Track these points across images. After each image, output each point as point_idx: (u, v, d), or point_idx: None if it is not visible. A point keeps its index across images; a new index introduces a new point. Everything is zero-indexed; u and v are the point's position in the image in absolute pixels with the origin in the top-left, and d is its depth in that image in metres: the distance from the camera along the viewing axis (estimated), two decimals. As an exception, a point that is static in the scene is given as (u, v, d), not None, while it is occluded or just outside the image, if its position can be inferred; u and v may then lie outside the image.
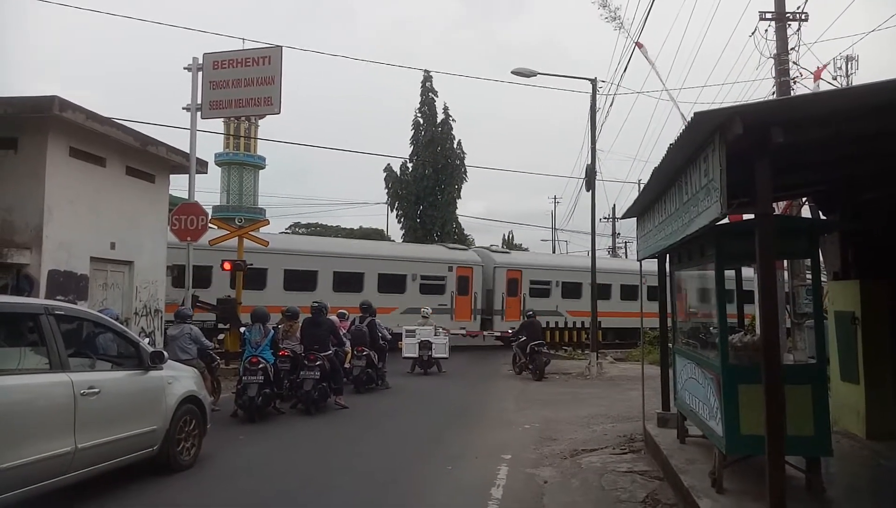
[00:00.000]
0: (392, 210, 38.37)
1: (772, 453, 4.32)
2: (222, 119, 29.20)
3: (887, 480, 6.24)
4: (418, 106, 37.63)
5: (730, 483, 5.40)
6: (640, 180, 33.30)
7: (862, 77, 20.95)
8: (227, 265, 15.93)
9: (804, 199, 11.10)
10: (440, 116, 37.56)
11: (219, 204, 46.28)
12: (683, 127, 4.59)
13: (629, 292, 25.89)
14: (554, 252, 47.61)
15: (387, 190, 38.04)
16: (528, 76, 17.58)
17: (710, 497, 5.19)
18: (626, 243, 46.26)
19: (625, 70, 18.71)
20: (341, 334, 12.25)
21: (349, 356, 12.89)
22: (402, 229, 37.94)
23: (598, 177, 18.56)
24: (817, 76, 13.71)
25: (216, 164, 47.28)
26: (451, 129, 37.67)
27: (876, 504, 5.58)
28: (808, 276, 14.07)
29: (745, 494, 5.19)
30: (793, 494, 4.69)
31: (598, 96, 18.26)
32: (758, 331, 6.62)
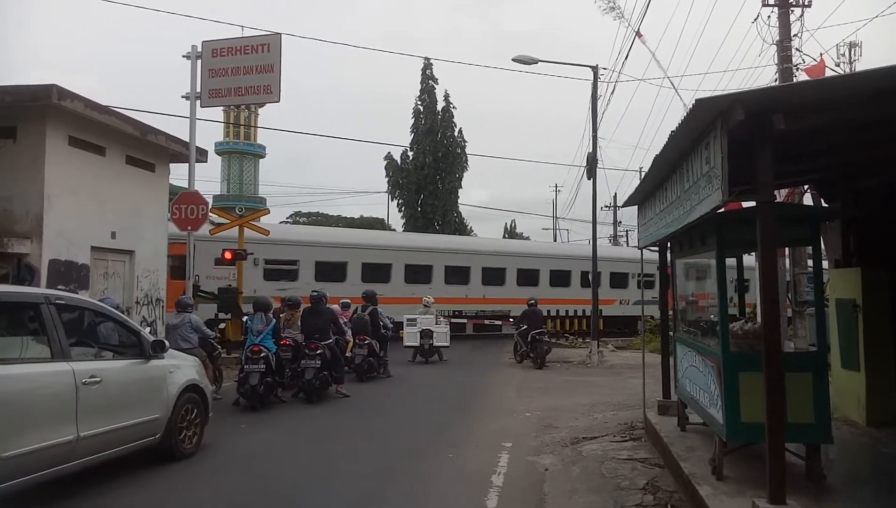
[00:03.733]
0: (393, 199, 38.35)
1: (772, 440, 4.33)
2: (222, 108, 29.08)
3: (887, 467, 6.25)
4: (418, 94, 37.50)
5: (730, 470, 5.42)
6: (641, 168, 33.23)
7: (865, 63, 20.80)
8: (227, 254, 15.90)
9: (806, 186, 11.06)
10: (441, 104, 37.45)
11: (219, 193, 46.18)
12: (685, 114, 4.56)
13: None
14: (555, 240, 47.60)
15: (387, 179, 38.00)
16: (529, 63, 17.47)
17: (710, 485, 5.20)
18: (627, 231, 46.25)
19: (626, 58, 18.61)
20: (342, 322, 12.28)
21: (351, 344, 12.93)
22: (402, 218, 37.94)
23: (599, 165, 18.53)
24: (814, 72, 13.51)
25: (216, 153, 47.06)
26: (452, 116, 37.56)
27: (876, 490, 5.60)
28: (810, 263, 14.04)
29: (745, 481, 5.20)
30: (793, 481, 4.69)
31: (599, 84, 18.19)
32: (759, 319, 6.63)
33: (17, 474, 4.76)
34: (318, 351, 10.48)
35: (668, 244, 7.92)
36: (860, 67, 19.93)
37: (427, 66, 37.02)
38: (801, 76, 13.59)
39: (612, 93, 23.08)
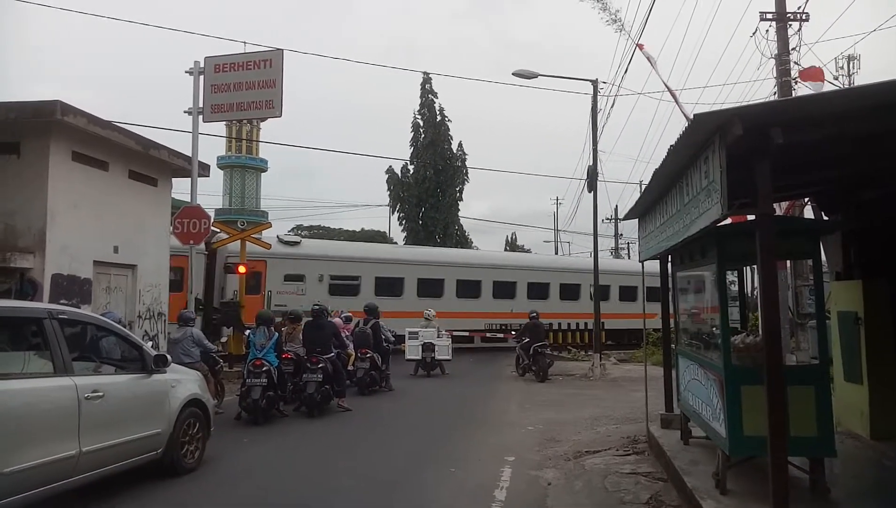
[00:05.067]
0: (394, 212, 38.44)
1: (774, 454, 4.32)
2: (224, 122, 29.23)
3: (892, 480, 6.23)
4: (418, 108, 37.73)
5: (733, 484, 5.40)
6: (641, 181, 33.30)
7: (864, 77, 20.91)
8: (241, 268, 15.94)
9: (806, 199, 11.09)
10: (439, 118, 37.65)
11: (221, 207, 46.31)
12: (684, 129, 4.60)
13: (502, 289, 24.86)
14: (557, 253, 47.52)
15: (388, 192, 38.12)
16: (529, 77, 17.58)
17: (713, 499, 5.19)
18: (628, 243, 46.28)
19: (626, 71, 18.75)
20: (343, 336, 12.27)
21: (353, 358, 12.91)
22: (403, 231, 38.02)
23: (599, 178, 18.57)
24: (808, 77, 13.56)
25: (218, 167, 47.14)
26: (448, 130, 37.74)
27: (880, 504, 5.57)
28: (811, 276, 14.02)
29: (748, 495, 5.19)
30: (797, 495, 4.68)
31: (599, 97, 18.28)
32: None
33: (18, 489, 4.76)
34: (320, 365, 10.48)
35: (669, 257, 7.94)
36: (859, 80, 20.04)
37: (426, 80, 37.26)
38: (800, 89, 13.67)
39: (613, 106, 23.32)
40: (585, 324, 24.83)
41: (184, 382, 7.06)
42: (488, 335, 23.77)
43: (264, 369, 9.86)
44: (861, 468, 6.52)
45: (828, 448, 5.26)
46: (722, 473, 5.38)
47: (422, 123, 37.53)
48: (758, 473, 5.33)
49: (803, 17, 13.60)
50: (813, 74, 13.61)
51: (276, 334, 10.62)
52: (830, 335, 7.79)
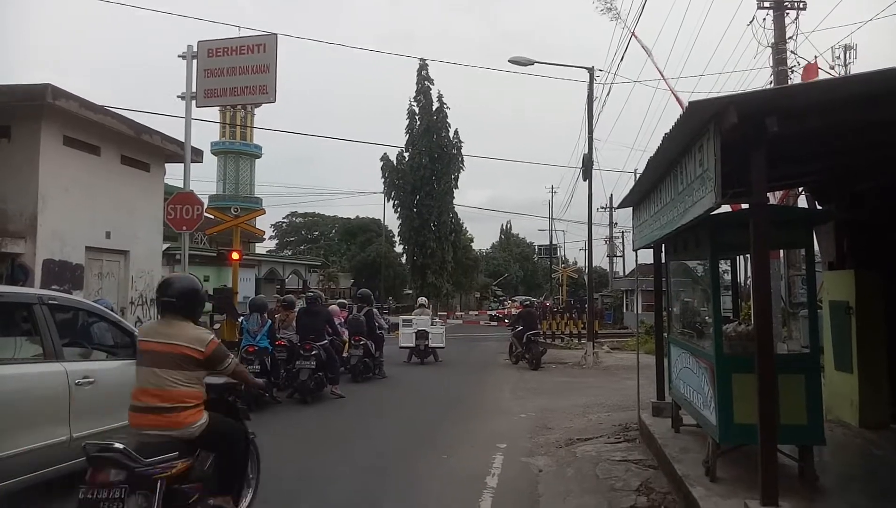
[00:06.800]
0: (388, 200, 38.38)
1: (764, 441, 4.34)
2: (218, 107, 29.08)
3: (880, 469, 6.27)
4: (413, 95, 37.58)
5: (723, 471, 5.43)
6: (636, 170, 33.27)
7: (861, 66, 20.89)
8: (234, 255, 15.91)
9: (801, 188, 11.09)
10: (436, 105, 37.51)
11: (215, 193, 46.12)
12: (679, 116, 4.58)
13: None
14: (551, 242, 47.54)
15: (383, 180, 38.03)
16: (525, 65, 17.49)
17: (703, 486, 5.21)
18: (623, 232, 46.35)
19: (621, 59, 18.71)
20: (337, 323, 12.27)
21: (346, 345, 12.92)
22: (398, 218, 38.00)
23: (595, 166, 18.55)
24: (809, 73, 13.52)
25: (212, 153, 46.94)
26: (447, 117, 37.63)
27: (868, 492, 5.61)
28: (804, 266, 14.03)
29: (738, 482, 5.21)
30: (785, 482, 4.71)
31: (595, 85, 18.21)
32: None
33: (8, 475, 4.74)
34: (314, 352, 10.47)
35: (663, 246, 7.94)
36: (855, 69, 20.01)
37: (423, 66, 37.10)
38: (797, 78, 13.64)
39: (608, 94, 23.31)
40: None
41: (176, 368, 7.02)
42: None
43: (258, 355, 9.84)
44: (850, 456, 6.56)
45: (817, 437, 5.28)
46: (712, 460, 5.41)
47: (417, 111, 37.40)
48: (747, 461, 5.36)
49: (800, 6, 13.55)
50: (811, 71, 13.54)
51: (270, 320, 10.61)
52: (822, 325, 7.83)
